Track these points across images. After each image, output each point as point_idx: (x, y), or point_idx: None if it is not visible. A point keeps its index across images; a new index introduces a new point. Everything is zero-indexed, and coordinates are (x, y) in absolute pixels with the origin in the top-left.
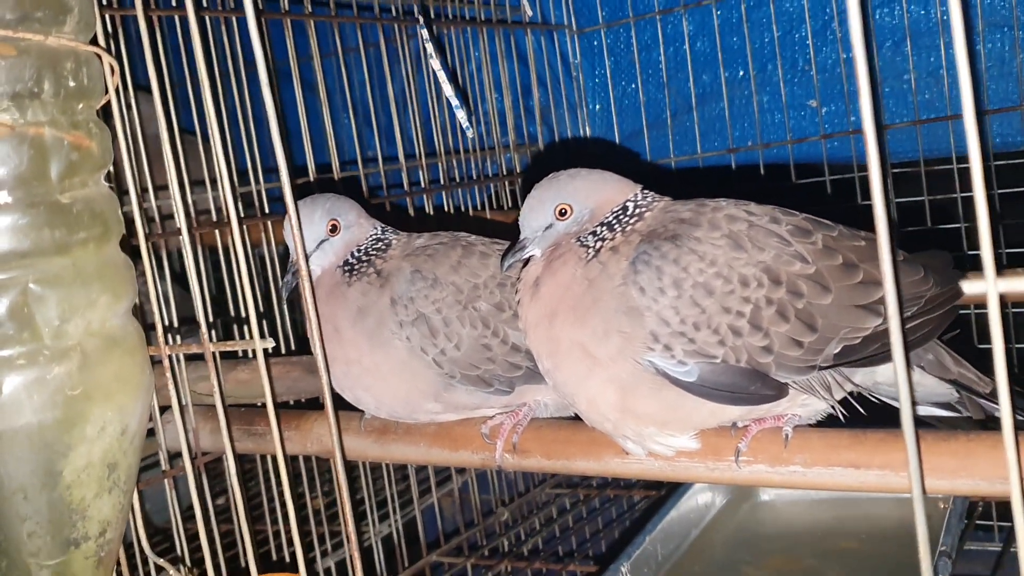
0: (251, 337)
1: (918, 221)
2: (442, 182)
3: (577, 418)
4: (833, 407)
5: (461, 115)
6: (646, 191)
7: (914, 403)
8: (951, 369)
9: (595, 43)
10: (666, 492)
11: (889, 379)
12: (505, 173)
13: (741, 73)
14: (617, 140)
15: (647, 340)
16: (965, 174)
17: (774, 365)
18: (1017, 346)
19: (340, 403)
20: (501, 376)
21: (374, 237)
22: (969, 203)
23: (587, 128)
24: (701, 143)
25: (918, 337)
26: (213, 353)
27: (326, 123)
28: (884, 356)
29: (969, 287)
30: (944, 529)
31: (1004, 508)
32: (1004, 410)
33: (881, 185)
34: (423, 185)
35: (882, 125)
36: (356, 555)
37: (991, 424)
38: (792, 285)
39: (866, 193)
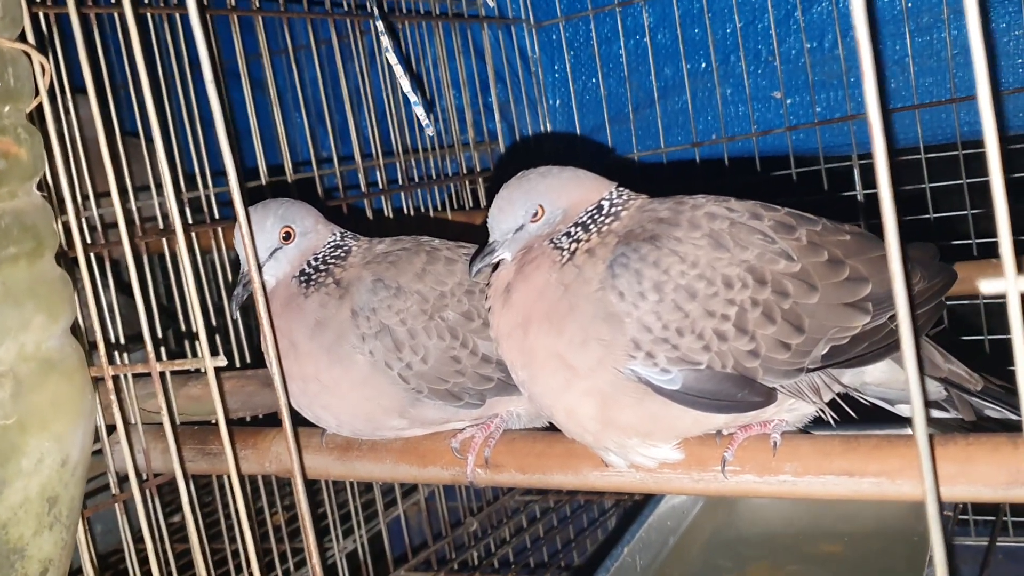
0: (202, 354)
1: None
2: (400, 182)
3: (552, 428)
4: (821, 410)
5: (419, 111)
6: (621, 188)
7: (928, 405)
8: (941, 367)
9: (554, 37)
10: (640, 498)
11: (877, 379)
12: (465, 172)
13: (703, 65)
14: (578, 135)
15: (628, 348)
16: (932, 164)
17: (761, 370)
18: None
19: (300, 419)
20: (471, 389)
21: (332, 244)
22: (936, 193)
23: (547, 124)
24: (664, 137)
25: None
26: (162, 373)
27: (277, 123)
28: (873, 356)
29: (987, 286)
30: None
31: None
32: None
33: (889, 181)
34: (381, 186)
35: (887, 109)
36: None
37: (981, 424)
38: (778, 285)
39: (833, 184)
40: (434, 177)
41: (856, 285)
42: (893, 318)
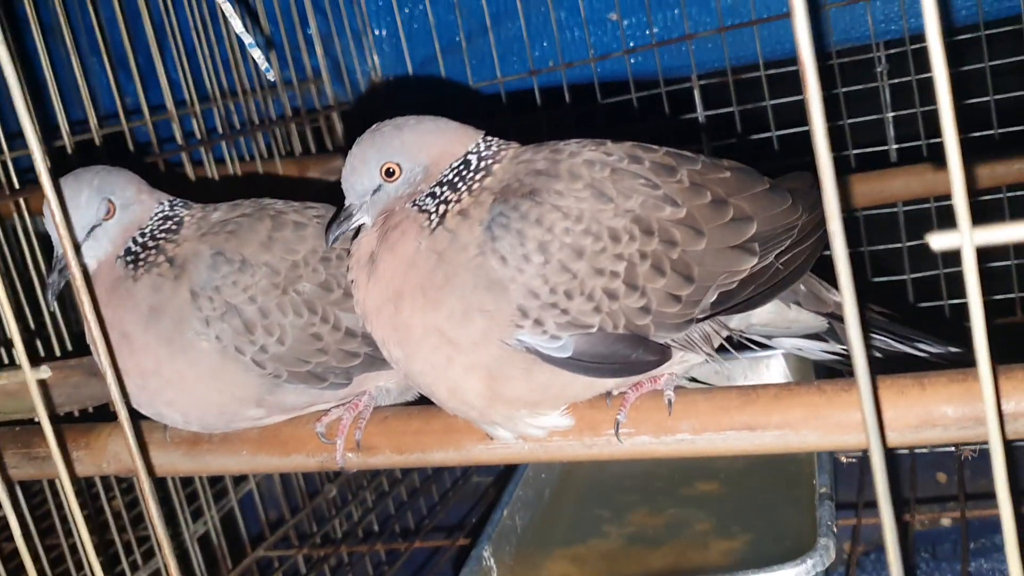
0: (20, 363)
1: (728, 133)
2: (220, 131)
3: (426, 400)
4: (709, 355)
5: (257, 54)
6: (489, 138)
7: (809, 337)
8: (827, 301)
9: None
10: None
11: (764, 320)
12: (290, 114)
13: None
14: (409, 68)
15: (514, 317)
16: (772, 81)
17: (653, 326)
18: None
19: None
20: (336, 368)
21: (160, 215)
22: (778, 110)
23: (375, 57)
24: (500, 66)
25: (794, 270)
26: None
27: (76, 71)
28: (761, 297)
29: (938, 241)
30: (817, 468)
31: None
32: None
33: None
34: (199, 136)
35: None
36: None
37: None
38: (665, 233)
39: (675, 108)
40: (256, 123)
41: (741, 225)
42: (779, 256)
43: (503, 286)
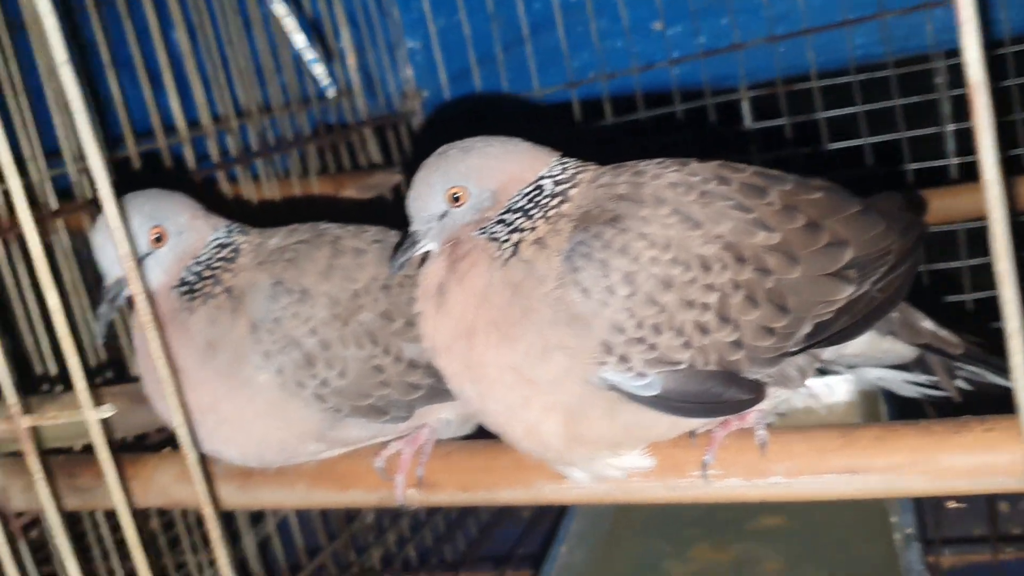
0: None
1: (778, 145)
2: (255, 147)
3: (488, 431)
4: (810, 395)
5: (319, 70)
6: (565, 160)
7: (897, 368)
8: (923, 332)
9: None
10: None
11: (857, 350)
12: (323, 130)
13: None
14: (443, 80)
15: (597, 353)
16: (825, 92)
17: (745, 361)
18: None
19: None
20: (398, 401)
21: (216, 243)
22: (832, 122)
23: (408, 69)
24: (538, 78)
25: (890, 298)
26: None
27: (112, 87)
28: (856, 328)
29: None
30: (900, 507)
31: None
32: None
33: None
34: (233, 154)
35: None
36: None
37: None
38: (758, 261)
39: (721, 120)
40: (291, 139)
41: (837, 251)
42: (875, 283)
43: (586, 321)
